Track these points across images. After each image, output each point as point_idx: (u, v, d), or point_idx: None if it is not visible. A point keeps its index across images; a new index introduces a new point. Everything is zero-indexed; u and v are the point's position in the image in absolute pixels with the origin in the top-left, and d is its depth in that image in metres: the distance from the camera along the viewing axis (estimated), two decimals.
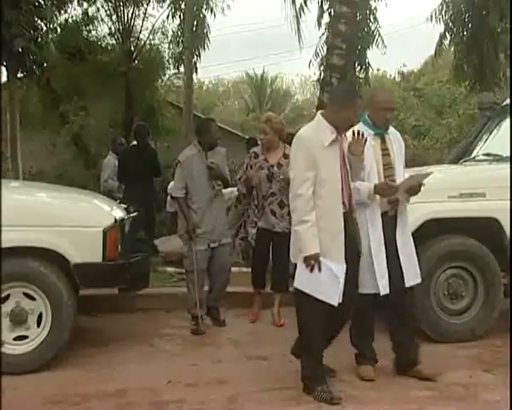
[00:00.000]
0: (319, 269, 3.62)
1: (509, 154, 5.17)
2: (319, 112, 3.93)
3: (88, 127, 14.04)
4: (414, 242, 4.85)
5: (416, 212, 4.87)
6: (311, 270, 3.63)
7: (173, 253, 7.56)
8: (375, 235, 4.03)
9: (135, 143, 7.90)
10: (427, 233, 4.88)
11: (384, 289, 4.01)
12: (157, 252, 7.26)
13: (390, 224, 4.10)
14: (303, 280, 3.70)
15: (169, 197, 9.53)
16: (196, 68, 14.13)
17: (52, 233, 4.26)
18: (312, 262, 3.62)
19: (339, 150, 3.78)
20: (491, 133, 5.98)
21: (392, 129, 4.32)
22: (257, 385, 4.02)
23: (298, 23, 10.93)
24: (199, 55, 14.09)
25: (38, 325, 4.25)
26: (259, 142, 5.74)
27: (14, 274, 4.19)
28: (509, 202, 4.82)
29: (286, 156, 5.29)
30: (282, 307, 5.49)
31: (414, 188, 4.12)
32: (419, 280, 4.24)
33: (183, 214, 5.37)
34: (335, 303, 3.65)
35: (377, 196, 4.03)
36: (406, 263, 4.09)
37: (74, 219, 4.39)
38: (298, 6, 12.03)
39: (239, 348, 4.90)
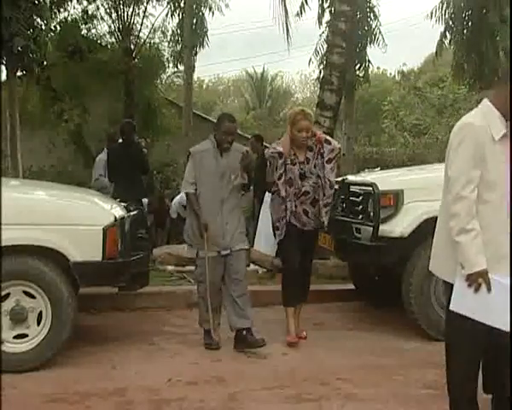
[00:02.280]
0: (488, 289, 2.85)
1: None
2: (486, 98, 3.07)
3: (87, 126, 14.05)
4: (414, 240, 4.89)
5: (417, 210, 4.89)
6: (477, 289, 2.86)
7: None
8: None
9: (120, 140, 7.88)
10: (427, 232, 4.87)
11: None
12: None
13: None
14: (465, 302, 2.90)
15: (173, 203, 9.55)
16: (195, 67, 14.15)
17: (52, 232, 4.26)
18: (480, 280, 2.85)
19: (508, 146, 2.98)
20: None
21: None
22: (257, 384, 4.02)
23: (287, 24, 10.92)
24: (195, 54, 14.10)
25: (38, 324, 4.25)
26: (300, 140, 4.90)
27: (14, 272, 4.18)
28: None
29: (310, 149, 4.94)
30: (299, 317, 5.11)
31: None
32: None
33: (193, 212, 4.80)
34: (507, 329, 2.85)
35: None
36: None
37: (74, 218, 4.39)
38: (297, 6, 12.08)
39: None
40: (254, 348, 4.62)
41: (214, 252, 4.72)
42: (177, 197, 9.56)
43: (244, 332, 4.71)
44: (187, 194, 4.87)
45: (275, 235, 5.06)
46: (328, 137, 5.03)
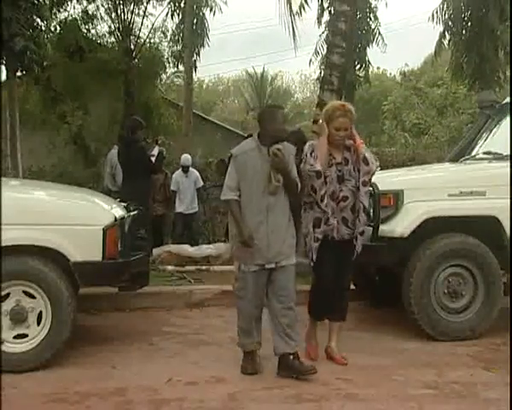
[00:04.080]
0: None
1: (509, 152, 5.17)
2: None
3: (87, 126, 14.05)
4: (414, 240, 4.89)
5: (417, 210, 4.89)
6: None
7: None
8: None
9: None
10: (427, 231, 4.89)
11: None
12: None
13: None
14: None
15: (173, 176, 9.51)
16: (196, 67, 14.16)
17: (52, 232, 4.26)
18: None
19: None
20: (491, 132, 5.98)
21: None
22: (257, 384, 4.02)
23: (292, 23, 10.91)
24: (198, 54, 14.13)
25: (38, 324, 4.24)
26: (336, 138, 4.37)
27: (14, 273, 4.18)
28: (508, 200, 4.82)
29: (348, 148, 4.43)
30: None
31: None
32: None
33: (235, 221, 4.21)
34: None
35: None
36: None
37: (74, 218, 4.39)
38: (297, 6, 12.07)
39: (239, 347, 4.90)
40: (303, 376, 4.08)
41: (257, 266, 4.16)
42: (178, 171, 9.61)
43: (291, 357, 4.15)
44: (228, 201, 4.26)
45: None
46: (368, 155, 4.39)
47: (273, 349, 4.20)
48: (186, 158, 9.68)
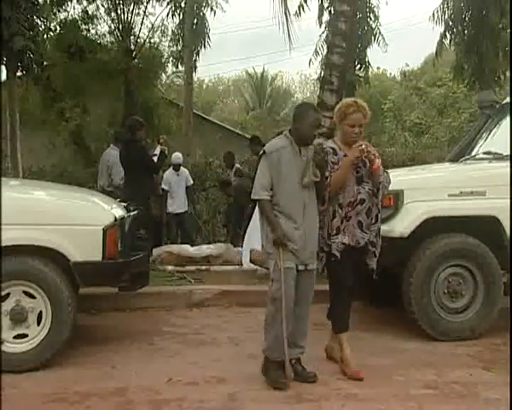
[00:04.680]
0: None
1: (509, 152, 5.17)
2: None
3: (87, 126, 14.06)
4: (414, 240, 4.89)
5: (417, 210, 4.89)
6: None
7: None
8: None
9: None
10: (427, 231, 4.89)
11: None
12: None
13: None
14: None
15: (165, 174, 9.50)
16: (196, 67, 14.15)
17: (52, 232, 4.26)
18: None
19: None
20: (491, 132, 5.98)
21: None
22: (257, 383, 4.02)
23: (287, 23, 10.88)
24: (198, 54, 14.12)
25: (38, 324, 4.25)
26: (351, 136, 4.20)
27: (14, 272, 4.18)
28: (508, 200, 4.82)
29: (363, 163, 4.17)
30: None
31: None
32: None
33: (267, 221, 4.02)
34: None
35: None
36: None
37: (74, 218, 4.39)
38: (296, 6, 12.05)
39: (239, 347, 4.90)
40: (305, 382, 4.01)
41: (292, 263, 3.98)
42: (169, 170, 9.60)
43: (293, 361, 4.06)
44: (259, 201, 4.06)
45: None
46: (385, 182, 4.26)
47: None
48: (177, 156, 9.65)
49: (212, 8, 14.28)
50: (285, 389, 3.88)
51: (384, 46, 13.21)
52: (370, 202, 4.20)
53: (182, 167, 9.69)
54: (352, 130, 4.18)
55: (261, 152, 4.13)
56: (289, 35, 10.69)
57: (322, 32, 12.79)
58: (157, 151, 8.03)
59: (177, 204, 9.50)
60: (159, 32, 15.36)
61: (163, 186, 9.42)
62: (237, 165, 10.27)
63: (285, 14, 10.47)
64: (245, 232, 7.80)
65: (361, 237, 4.20)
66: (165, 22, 15.17)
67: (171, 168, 9.60)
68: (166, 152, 8.19)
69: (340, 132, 4.20)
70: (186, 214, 9.74)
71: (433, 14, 12.37)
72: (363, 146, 4.06)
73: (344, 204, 4.16)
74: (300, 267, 4.01)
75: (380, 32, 13.21)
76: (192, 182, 9.87)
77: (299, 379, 4.02)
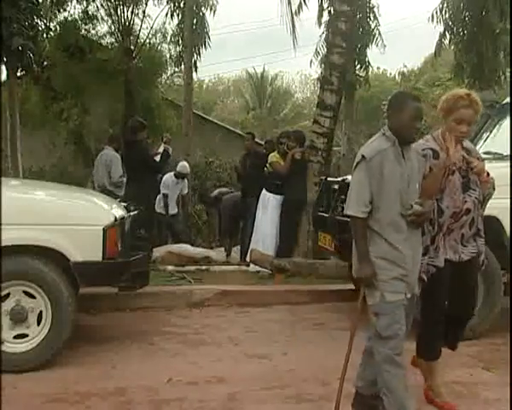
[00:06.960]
0: None
1: (509, 152, 5.17)
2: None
3: (87, 126, 14.06)
4: None
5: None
6: None
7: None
8: None
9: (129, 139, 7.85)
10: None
11: None
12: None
13: None
14: None
15: (164, 178, 9.48)
16: (196, 67, 14.14)
17: (52, 231, 4.25)
18: None
19: None
20: (491, 132, 5.98)
21: None
22: (257, 384, 4.02)
23: (293, 23, 10.92)
24: (199, 54, 14.11)
25: (38, 324, 4.24)
26: (457, 135, 3.55)
27: (14, 272, 4.18)
28: (509, 200, 4.82)
29: (467, 150, 3.61)
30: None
31: None
32: None
33: (359, 245, 3.26)
34: None
35: None
36: None
37: (74, 218, 4.39)
38: (296, 5, 12.07)
39: (239, 347, 4.90)
40: None
41: (402, 294, 3.22)
42: (170, 174, 9.58)
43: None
44: (353, 218, 3.26)
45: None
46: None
47: (356, 378, 3.59)
48: (184, 166, 9.59)
49: (211, 8, 14.26)
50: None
51: (382, 46, 13.22)
52: (475, 212, 3.57)
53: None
54: (460, 127, 3.51)
55: (358, 158, 3.28)
56: (294, 35, 10.75)
57: (323, 33, 12.80)
58: (160, 150, 8.05)
59: (171, 206, 9.50)
60: (159, 32, 15.38)
61: (163, 191, 9.41)
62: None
63: (290, 12, 10.52)
64: (251, 233, 7.78)
65: (461, 250, 3.58)
66: (165, 23, 15.20)
67: (172, 173, 9.53)
68: (170, 151, 8.21)
69: (442, 128, 3.62)
70: (175, 217, 9.73)
71: (433, 15, 12.37)
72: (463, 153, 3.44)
73: (446, 218, 3.50)
74: (408, 295, 3.27)
75: (379, 33, 13.22)
76: (187, 191, 9.88)
77: None
